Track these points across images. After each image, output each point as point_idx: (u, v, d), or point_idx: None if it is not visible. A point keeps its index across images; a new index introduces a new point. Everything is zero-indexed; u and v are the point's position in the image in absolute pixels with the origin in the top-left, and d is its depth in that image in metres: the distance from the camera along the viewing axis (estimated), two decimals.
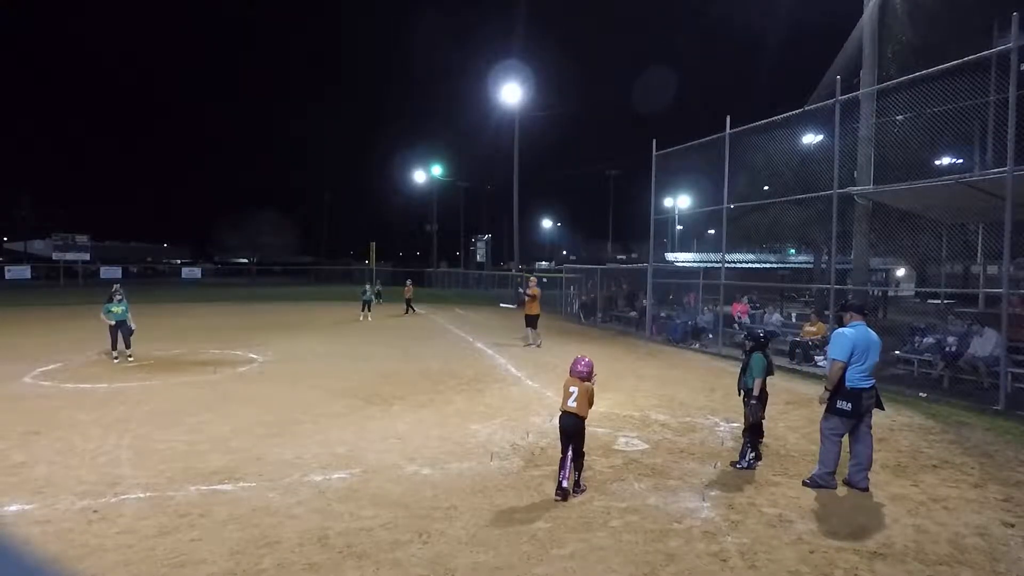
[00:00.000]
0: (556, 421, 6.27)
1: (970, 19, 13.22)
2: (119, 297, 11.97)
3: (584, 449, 5.26)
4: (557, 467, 5.25)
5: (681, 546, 4.24)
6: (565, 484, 5.06)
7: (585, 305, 22.11)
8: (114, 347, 11.79)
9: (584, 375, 5.22)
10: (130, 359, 11.84)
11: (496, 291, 37.28)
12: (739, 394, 6.23)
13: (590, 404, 5.21)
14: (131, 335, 11.99)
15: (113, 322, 11.74)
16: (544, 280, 18.14)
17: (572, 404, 5.13)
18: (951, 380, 9.99)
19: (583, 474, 5.30)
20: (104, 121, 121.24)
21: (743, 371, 6.13)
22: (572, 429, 5.14)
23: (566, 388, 5.23)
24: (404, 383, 9.98)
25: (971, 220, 12.87)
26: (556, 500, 5.01)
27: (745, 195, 16.19)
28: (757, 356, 6.00)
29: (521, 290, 14.74)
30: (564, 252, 76.09)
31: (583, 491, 5.20)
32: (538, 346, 14.48)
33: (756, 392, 5.90)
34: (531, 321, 14.66)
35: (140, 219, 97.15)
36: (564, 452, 5.15)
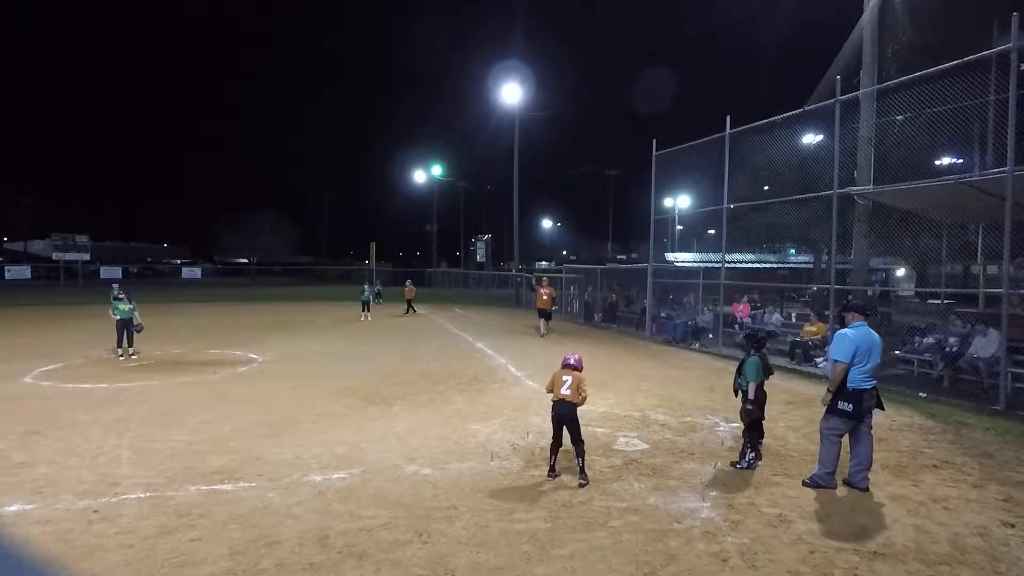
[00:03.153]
0: None
1: (970, 19, 13.22)
2: (121, 296, 12.29)
3: (582, 437, 5.53)
4: (559, 466, 5.59)
5: (681, 546, 4.24)
6: (556, 466, 5.56)
7: (585, 305, 22.11)
8: (119, 344, 12.03)
9: (577, 367, 5.62)
10: (133, 357, 12.04)
11: (496, 291, 37.26)
12: (735, 395, 6.24)
13: (581, 392, 5.51)
14: (137, 332, 12.38)
15: (119, 318, 12.04)
16: (548, 279, 18.81)
17: (566, 392, 5.45)
18: (951, 380, 9.99)
19: (584, 461, 5.54)
20: (104, 121, 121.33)
21: (738, 372, 6.14)
22: (567, 416, 5.44)
23: (558, 378, 5.56)
24: (404, 383, 9.98)
25: (971, 220, 12.87)
26: (548, 478, 5.48)
27: (745, 195, 16.17)
28: (753, 358, 6.00)
29: (541, 289, 17.52)
30: (564, 252, 76.10)
31: (586, 483, 5.38)
32: (543, 334, 16.54)
33: (752, 396, 5.90)
34: (545, 314, 16.92)
35: (140, 219, 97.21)
36: (556, 437, 5.54)
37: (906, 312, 16.01)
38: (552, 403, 5.57)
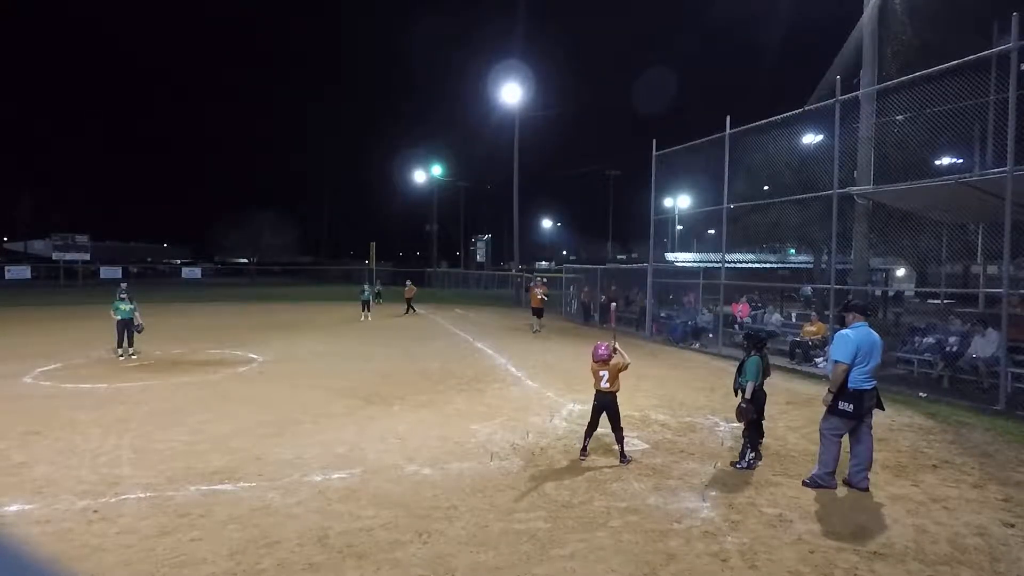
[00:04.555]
0: (556, 421, 7.27)
1: (970, 19, 13.22)
2: (123, 296, 12.25)
3: (621, 424, 6.05)
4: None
5: (681, 546, 4.24)
6: (587, 447, 6.18)
7: (585, 305, 22.11)
8: (119, 344, 12.05)
9: (607, 358, 5.98)
10: (133, 357, 12.06)
11: (496, 291, 37.27)
12: (735, 394, 6.24)
13: (621, 371, 6.04)
14: (138, 332, 12.40)
15: (119, 318, 12.05)
16: (544, 280, 18.91)
17: (605, 385, 5.96)
18: (951, 380, 9.99)
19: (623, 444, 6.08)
20: (104, 121, 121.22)
21: (739, 371, 6.15)
22: (607, 403, 5.98)
23: (595, 372, 6.03)
24: (404, 383, 9.98)
25: (971, 220, 12.87)
26: (581, 457, 6.07)
27: (745, 195, 16.16)
28: (754, 359, 6.01)
29: (536, 288, 18.25)
30: (564, 252, 76.11)
31: (629, 461, 5.94)
32: (537, 330, 17.42)
33: (748, 395, 5.90)
34: (538, 312, 17.79)
35: (140, 219, 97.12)
36: (593, 422, 6.09)
37: (906, 312, 16.01)
38: (595, 392, 6.06)
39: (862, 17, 13.04)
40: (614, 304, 8.18)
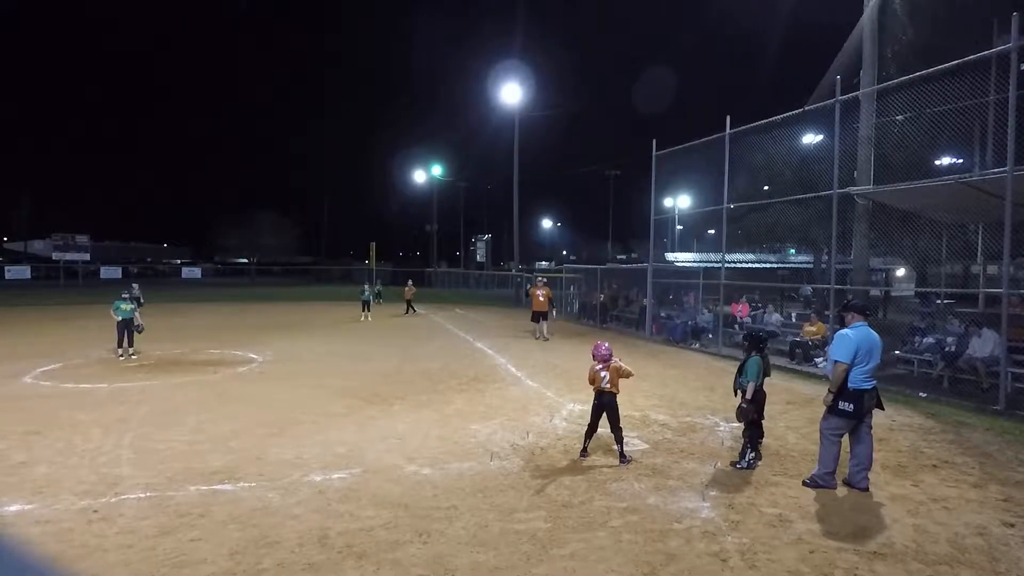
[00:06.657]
0: (556, 421, 7.47)
1: (970, 19, 13.22)
2: (125, 295, 12.34)
3: (620, 424, 6.04)
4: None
5: (681, 546, 4.24)
6: (588, 448, 6.20)
7: (586, 305, 22.13)
8: (119, 344, 12.06)
9: (608, 357, 6.02)
10: (133, 357, 12.06)
11: (496, 291, 37.28)
12: (735, 394, 6.24)
13: (622, 377, 6.05)
14: (138, 332, 12.43)
15: (119, 318, 12.06)
16: (544, 280, 18.68)
17: (606, 385, 5.99)
18: (951, 380, 9.99)
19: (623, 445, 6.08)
20: (104, 121, 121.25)
21: (739, 372, 6.15)
22: (608, 403, 5.98)
23: (596, 373, 6.04)
24: (404, 383, 9.98)
25: (971, 220, 12.86)
26: (581, 458, 6.08)
27: (745, 195, 16.17)
28: (754, 359, 6.01)
29: (537, 290, 16.83)
30: (564, 252, 76.12)
31: (629, 461, 5.94)
32: (546, 338, 15.86)
33: (748, 395, 5.90)
34: (542, 316, 16.25)
35: (140, 219, 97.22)
36: (593, 422, 6.09)
37: (905, 312, 16.00)
38: (595, 393, 6.08)
39: (862, 17, 13.05)
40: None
